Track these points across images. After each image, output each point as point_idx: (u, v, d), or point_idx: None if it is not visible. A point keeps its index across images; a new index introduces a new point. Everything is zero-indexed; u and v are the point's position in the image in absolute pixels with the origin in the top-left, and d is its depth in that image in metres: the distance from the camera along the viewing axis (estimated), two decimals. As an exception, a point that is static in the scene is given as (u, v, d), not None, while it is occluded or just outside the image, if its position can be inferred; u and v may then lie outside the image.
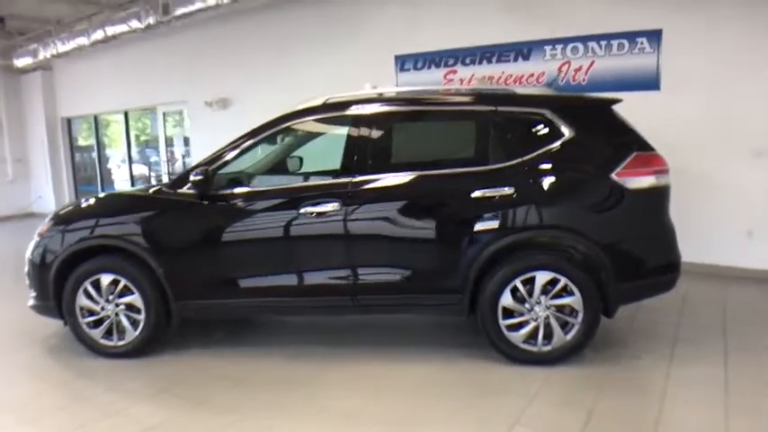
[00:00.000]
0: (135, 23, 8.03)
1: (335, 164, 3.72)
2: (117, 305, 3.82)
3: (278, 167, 4.07)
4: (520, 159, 3.44)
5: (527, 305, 3.43)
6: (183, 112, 9.72)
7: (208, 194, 3.68)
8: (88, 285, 3.84)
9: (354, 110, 3.69)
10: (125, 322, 3.84)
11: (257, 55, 8.22)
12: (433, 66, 6.80)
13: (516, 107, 3.58)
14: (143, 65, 9.67)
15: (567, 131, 3.45)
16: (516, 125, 3.55)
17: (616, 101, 3.66)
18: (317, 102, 3.80)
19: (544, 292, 3.41)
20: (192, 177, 3.60)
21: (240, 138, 3.76)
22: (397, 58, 7.03)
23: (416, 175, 3.54)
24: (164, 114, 10.01)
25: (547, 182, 3.43)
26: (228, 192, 3.71)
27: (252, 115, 4.33)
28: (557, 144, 3.45)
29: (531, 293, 3.42)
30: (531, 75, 6.15)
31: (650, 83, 5.54)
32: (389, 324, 4.28)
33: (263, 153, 4.20)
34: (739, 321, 4.20)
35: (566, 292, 3.40)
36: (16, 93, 11.29)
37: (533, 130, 3.53)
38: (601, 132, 3.55)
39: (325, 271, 3.62)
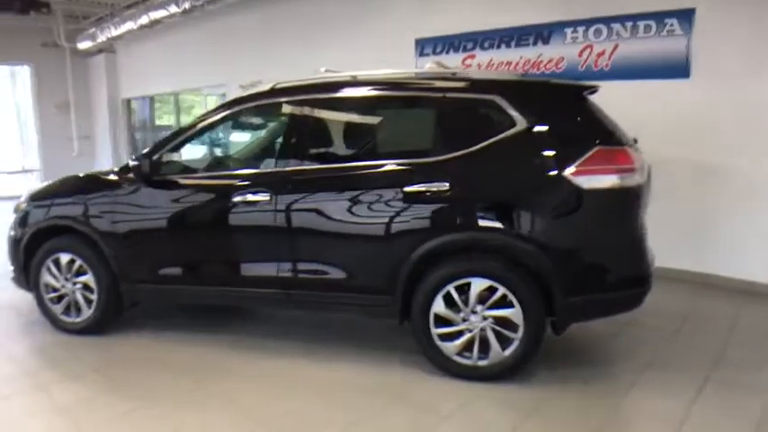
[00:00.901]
0: (173, 8, 8.24)
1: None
2: (74, 284, 3.91)
3: (225, 154, 3.98)
4: (461, 152, 3.10)
5: (462, 314, 3.11)
6: (226, 94, 9.91)
7: (151, 180, 3.65)
8: (50, 263, 3.95)
9: (295, 96, 3.50)
10: (81, 301, 3.92)
11: (286, 41, 8.19)
12: (451, 50, 6.42)
13: (465, 93, 3.21)
14: (189, 48, 9.95)
15: (519, 121, 3.05)
16: (463, 113, 3.20)
17: (588, 88, 3.22)
18: (267, 87, 3.65)
19: (481, 300, 3.08)
20: (130, 163, 3.58)
21: (189, 124, 3.70)
22: (417, 41, 6.71)
23: (349, 166, 3.31)
24: (207, 96, 10.29)
25: (487, 178, 3.08)
26: (169, 179, 3.67)
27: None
28: (505, 135, 3.07)
29: (466, 302, 3.10)
30: (551, 60, 5.63)
31: (679, 69, 4.88)
32: (350, 322, 4.07)
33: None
34: (743, 349, 3.62)
35: (505, 303, 3.05)
36: (84, 74, 12.07)
37: (481, 119, 3.17)
38: (560, 123, 3.10)
39: (259, 262, 3.49)
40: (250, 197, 3.38)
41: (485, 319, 3.07)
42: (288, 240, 3.38)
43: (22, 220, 4.06)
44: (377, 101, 3.47)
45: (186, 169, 3.78)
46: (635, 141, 3.63)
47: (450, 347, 3.15)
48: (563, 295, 2.98)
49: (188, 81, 10.33)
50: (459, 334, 3.13)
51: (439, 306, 3.13)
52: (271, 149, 3.60)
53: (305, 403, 3.01)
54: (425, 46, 6.65)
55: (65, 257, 3.91)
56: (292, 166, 3.39)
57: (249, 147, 4.06)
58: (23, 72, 12.17)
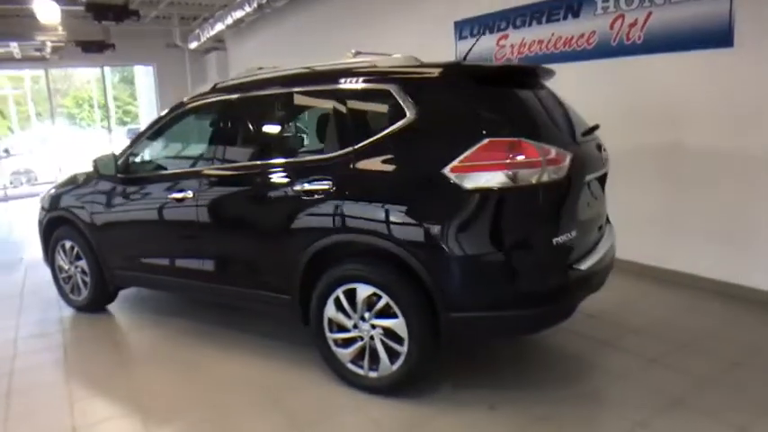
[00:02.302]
0: (247, 7, 8.71)
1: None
2: (76, 267, 4.41)
3: (174, 153, 4.15)
4: (350, 148, 2.89)
5: (352, 321, 2.93)
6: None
7: (119, 178, 3.95)
8: (59, 248, 4.51)
9: (220, 96, 3.54)
10: (80, 282, 4.41)
11: (345, 29, 8.26)
12: (487, 31, 5.94)
13: (361, 84, 2.96)
14: (281, 41, 10.42)
15: (409, 112, 2.76)
16: (359, 107, 2.96)
17: (504, 69, 2.81)
18: (209, 86, 3.73)
19: (369, 308, 2.87)
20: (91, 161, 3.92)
21: (148, 125, 3.94)
22: (456, 24, 6.32)
23: (250, 165, 3.28)
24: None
25: (367, 176, 2.82)
26: (130, 176, 3.94)
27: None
28: (392, 129, 2.78)
29: (355, 308, 2.91)
30: (582, 35, 4.96)
31: (721, 37, 4.01)
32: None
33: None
34: (747, 378, 2.93)
35: (390, 313, 2.80)
36: (201, 71, 13.26)
37: (376, 112, 2.92)
38: (449, 113, 2.73)
39: (185, 256, 3.62)
40: (176, 195, 3.52)
41: (373, 327, 2.87)
42: (204, 236, 3.46)
43: (42, 208, 4.65)
44: (283, 98, 3.37)
45: (143, 168, 4.01)
46: (593, 129, 3.12)
47: (344, 354, 2.99)
48: (445, 310, 2.66)
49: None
50: (353, 341, 2.96)
51: (331, 310, 2.98)
52: (201, 149, 3.69)
53: (188, 393, 3.09)
54: (464, 28, 6.24)
55: (68, 244, 4.42)
56: (208, 166, 3.47)
57: (192, 146, 4.21)
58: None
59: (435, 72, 2.82)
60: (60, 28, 8.78)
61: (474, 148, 2.55)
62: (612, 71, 4.75)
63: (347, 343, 2.98)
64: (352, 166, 2.87)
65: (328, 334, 3.03)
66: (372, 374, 2.92)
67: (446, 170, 2.57)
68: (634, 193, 4.70)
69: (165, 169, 3.90)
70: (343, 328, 2.98)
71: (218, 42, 12.78)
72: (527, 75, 3.06)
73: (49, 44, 9.98)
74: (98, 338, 3.95)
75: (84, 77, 25.89)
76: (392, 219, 2.71)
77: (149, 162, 4.05)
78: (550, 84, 3.34)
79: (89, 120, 26.66)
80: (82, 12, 8.43)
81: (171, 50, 12.84)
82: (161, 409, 2.93)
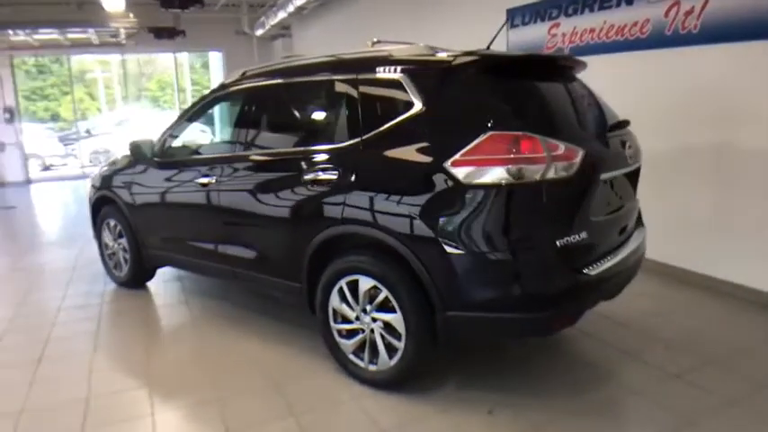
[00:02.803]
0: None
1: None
2: (119, 244, 4.66)
3: (204, 138, 4.25)
4: (357, 139, 2.86)
5: (354, 313, 2.92)
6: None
7: (156, 162, 4.12)
8: (104, 226, 4.77)
9: (245, 83, 3.60)
10: (122, 259, 4.66)
11: (396, 16, 8.20)
12: (538, 19, 5.70)
13: (376, 74, 2.90)
14: (345, 27, 10.46)
15: (417, 103, 2.68)
16: (371, 96, 2.91)
17: (521, 58, 2.69)
18: (239, 73, 3.79)
19: (371, 300, 2.85)
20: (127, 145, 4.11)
21: (182, 112, 4.07)
22: (508, 12, 6.10)
23: (266, 153, 3.33)
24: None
25: (371, 168, 2.79)
26: (165, 160, 4.08)
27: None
28: (399, 120, 2.72)
29: (357, 300, 2.89)
30: (635, 23, 4.65)
31: (786, 28, 3.64)
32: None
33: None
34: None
35: (389, 306, 2.76)
36: (268, 57, 13.53)
37: (387, 102, 2.85)
38: (459, 105, 2.62)
39: (208, 240, 3.72)
40: (201, 180, 3.63)
41: (374, 321, 2.85)
42: (225, 222, 3.55)
43: (93, 186, 4.92)
44: (299, 87, 3.36)
45: (177, 152, 4.14)
46: (622, 124, 2.95)
47: (347, 345, 2.99)
48: (441, 308, 2.59)
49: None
50: (355, 333, 2.95)
51: (336, 301, 2.98)
52: (225, 136, 3.77)
53: (199, 373, 3.19)
54: (515, 16, 6.01)
55: (111, 222, 4.66)
56: (229, 153, 3.55)
57: (219, 133, 4.31)
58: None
59: (445, 62, 2.73)
60: (131, 15, 9.22)
61: (476, 142, 2.45)
62: (667, 62, 4.43)
63: (350, 334, 2.97)
64: (358, 156, 2.84)
65: (332, 324, 3.04)
66: (372, 368, 2.91)
67: (447, 164, 2.49)
68: (683, 193, 4.39)
69: (197, 154, 4.02)
70: (346, 320, 2.98)
71: (284, 30, 13.03)
72: (549, 65, 2.90)
73: (122, 31, 10.53)
74: (131, 313, 4.17)
75: (168, 63, 27.28)
76: (392, 211, 2.66)
77: (183, 147, 4.18)
78: (587, 74, 3.17)
79: (171, 103, 28.06)
80: (151, 0, 8.84)
81: (240, 37, 13.21)
82: (170, 386, 3.05)
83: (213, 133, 4.54)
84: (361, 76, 2.95)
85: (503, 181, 2.41)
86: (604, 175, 2.70)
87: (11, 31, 10.15)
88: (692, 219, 4.34)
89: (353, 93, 2.95)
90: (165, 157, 4.09)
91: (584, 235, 2.53)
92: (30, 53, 12.39)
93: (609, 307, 3.04)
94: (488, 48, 3.12)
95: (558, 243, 2.45)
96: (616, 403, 2.80)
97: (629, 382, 2.96)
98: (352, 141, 2.89)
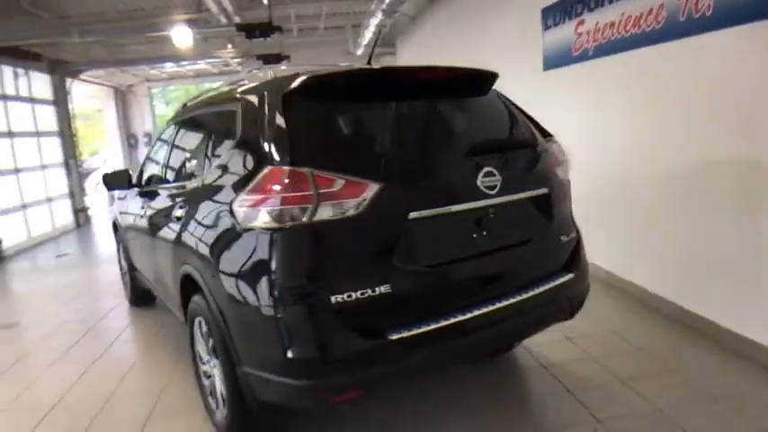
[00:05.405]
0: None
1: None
2: (122, 265, 5.05)
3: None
4: (202, 173, 2.72)
5: (206, 354, 2.74)
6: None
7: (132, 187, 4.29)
8: (120, 247, 5.15)
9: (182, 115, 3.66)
10: (128, 280, 5.00)
11: (444, 32, 7.81)
12: (566, 18, 4.96)
13: (220, 107, 2.77)
14: (435, 43, 10.27)
15: (236, 135, 2.46)
16: (217, 129, 2.79)
17: (344, 75, 2.35)
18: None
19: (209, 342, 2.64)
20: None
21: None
22: (542, 12, 5.41)
23: (163, 186, 3.42)
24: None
25: (188, 207, 2.69)
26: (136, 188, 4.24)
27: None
28: (221, 155, 2.55)
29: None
30: (650, 11, 3.80)
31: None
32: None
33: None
34: None
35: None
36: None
37: (223, 134, 2.67)
38: (258, 136, 2.28)
39: (150, 268, 3.82)
40: (141, 208, 3.79)
41: (215, 365, 2.65)
42: (153, 248, 3.57)
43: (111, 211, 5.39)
44: (186, 123, 3.38)
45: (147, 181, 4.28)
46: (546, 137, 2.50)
47: (206, 384, 2.82)
48: (237, 363, 2.27)
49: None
50: (208, 375, 2.77)
51: (197, 339, 2.84)
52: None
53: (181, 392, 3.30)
54: (548, 17, 5.31)
55: (121, 244, 5.03)
56: (156, 184, 3.67)
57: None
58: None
59: (263, 88, 2.45)
60: (229, 46, 10.03)
61: (257, 179, 2.14)
62: (687, 54, 3.55)
63: (206, 375, 2.80)
64: (198, 193, 2.68)
65: (199, 363, 2.89)
66: (218, 414, 2.69)
67: (235, 204, 2.22)
68: (699, 223, 3.46)
69: (150, 182, 4.12)
70: (202, 360, 2.82)
71: (390, 47, 13.19)
72: (392, 80, 2.46)
73: (231, 60, 11.53)
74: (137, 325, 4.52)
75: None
76: (202, 253, 2.48)
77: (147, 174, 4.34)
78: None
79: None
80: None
81: (348, 58, 13.61)
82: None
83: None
84: (212, 110, 2.90)
85: (266, 225, 2.06)
86: (454, 208, 2.20)
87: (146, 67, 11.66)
88: (712, 258, 3.38)
89: (206, 127, 2.89)
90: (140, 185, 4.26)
91: (383, 288, 2.06)
92: (162, 84, 14.15)
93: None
94: (369, 62, 2.76)
95: (333, 299, 2.02)
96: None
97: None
98: (195, 178, 2.79)
